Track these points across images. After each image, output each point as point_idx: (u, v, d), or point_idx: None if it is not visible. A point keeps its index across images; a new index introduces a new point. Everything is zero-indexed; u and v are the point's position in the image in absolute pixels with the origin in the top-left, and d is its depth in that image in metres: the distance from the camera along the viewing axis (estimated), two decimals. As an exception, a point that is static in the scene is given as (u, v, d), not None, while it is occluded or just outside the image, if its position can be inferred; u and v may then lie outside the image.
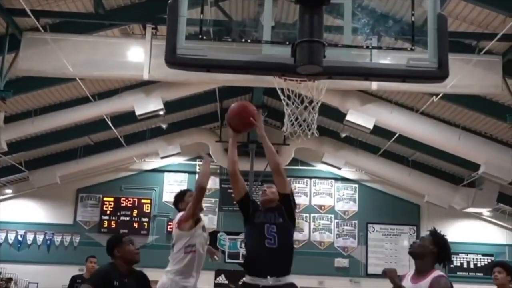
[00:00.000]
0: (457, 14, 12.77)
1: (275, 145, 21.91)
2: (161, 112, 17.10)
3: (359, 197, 24.36)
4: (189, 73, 13.39)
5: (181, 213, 5.65)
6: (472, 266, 23.79)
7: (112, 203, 23.70)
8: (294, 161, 23.28)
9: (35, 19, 12.32)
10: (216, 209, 23.83)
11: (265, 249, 4.91)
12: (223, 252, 22.63)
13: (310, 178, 24.49)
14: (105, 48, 13.58)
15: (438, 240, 4.26)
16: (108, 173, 23.82)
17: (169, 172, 24.19)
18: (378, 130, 17.73)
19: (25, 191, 23.22)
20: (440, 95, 14.86)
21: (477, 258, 23.83)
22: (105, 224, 23.35)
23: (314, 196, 24.44)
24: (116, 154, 21.78)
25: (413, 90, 14.80)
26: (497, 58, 13.29)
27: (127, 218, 23.52)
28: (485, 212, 22.87)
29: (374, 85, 13.40)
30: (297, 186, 24.46)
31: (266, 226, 5.02)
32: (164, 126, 21.00)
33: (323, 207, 24.37)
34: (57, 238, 23.43)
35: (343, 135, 21.24)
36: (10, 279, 21.22)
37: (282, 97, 6.36)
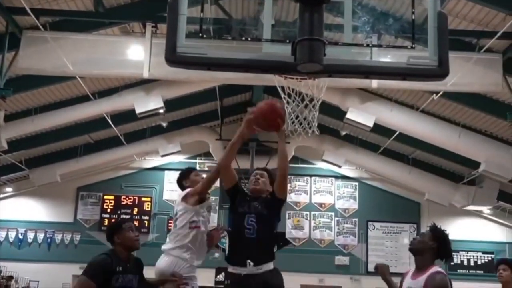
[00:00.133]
0: (457, 12, 12.76)
1: (275, 143, 22.08)
2: (161, 111, 17.10)
3: (359, 195, 24.38)
4: (189, 71, 13.37)
5: (188, 189, 5.47)
6: (472, 263, 23.81)
7: (113, 201, 23.73)
8: (295, 159, 23.27)
9: (35, 17, 12.32)
10: (217, 207, 23.82)
11: (244, 239, 4.87)
12: (224, 250, 22.62)
13: (311, 176, 24.50)
14: (105, 46, 13.57)
15: (438, 235, 4.26)
16: (109, 172, 23.83)
17: (170, 170, 24.17)
18: (378, 128, 17.73)
19: (26, 190, 23.24)
20: (440, 93, 14.85)
21: (477, 256, 23.85)
22: (106, 222, 23.31)
23: (314, 194, 24.45)
24: (116, 153, 21.79)
25: (413, 88, 14.80)
26: (497, 56, 13.28)
27: (128, 216, 23.50)
28: (486, 210, 22.88)
29: (374, 83, 13.39)
30: (297, 184, 24.48)
31: (246, 216, 4.98)
32: (164, 124, 21.00)
33: (323, 205, 24.38)
34: (58, 236, 23.46)
35: (343, 133, 21.25)
36: (11, 277, 21.24)
37: (282, 95, 6.35)
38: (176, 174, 21.58)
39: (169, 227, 22.91)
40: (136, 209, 23.65)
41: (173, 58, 4.68)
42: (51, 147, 21.19)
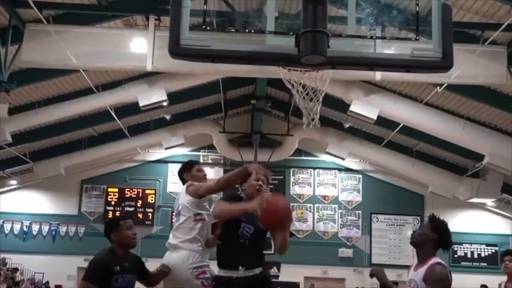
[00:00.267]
0: (462, 5, 12.70)
1: (279, 136, 22.11)
2: (165, 103, 17.09)
3: (363, 188, 24.38)
4: (192, 64, 13.36)
5: (191, 184, 5.16)
6: (476, 256, 23.82)
7: (117, 194, 23.80)
8: (298, 152, 23.29)
9: (38, 10, 12.30)
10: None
11: (236, 245, 4.70)
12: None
13: (314, 168, 24.50)
14: (108, 39, 13.55)
15: (438, 226, 4.26)
16: (112, 164, 23.88)
17: (173, 163, 24.18)
18: (382, 121, 17.71)
19: (30, 182, 23.31)
20: (444, 85, 14.81)
21: (481, 248, 23.86)
22: (110, 215, 23.41)
23: (318, 186, 24.47)
24: (120, 145, 21.82)
25: (417, 80, 14.75)
26: (501, 49, 13.23)
27: (132, 209, 23.60)
28: (489, 202, 22.87)
29: (378, 76, 13.34)
30: (301, 176, 24.49)
31: (242, 225, 4.68)
32: (167, 117, 21.01)
33: (327, 198, 24.40)
34: (62, 229, 23.56)
35: (347, 125, 21.22)
36: (16, 269, 21.35)
37: (290, 88, 6.34)
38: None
39: (173, 220, 22.97)
40: (140, 202, 23.71)
41: (177, 50, 4.68)
42: (55, 140, 21.23)
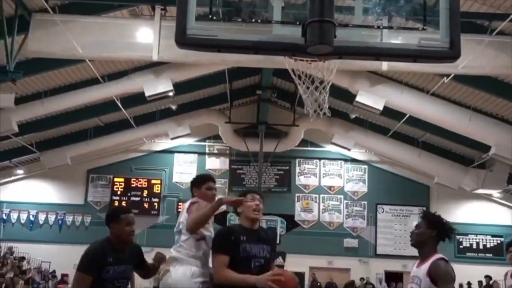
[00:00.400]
0: (469, -6, 12.64)
1: (285, 126, 22.10)
2: (171, 93, 17.12)
3: (368, 178, 24.39)
4: (198, 54, 13.35)
5: (194, 203, 4.91)
6: (481, 247, 23.83)
7: (123, 184, 23.88)
8: (304, 142, 23.30)
9: (44, 0, 12.30)
10: (226, 190, 23.94)
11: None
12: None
13: (320, 159, 24.51)
14: (114, 29, 13.54)
15: (433, 221, 4.26)
16: (118, 154, 23.95)
17: (179, 153, 24.29)
18: (388, 111, 17.67)
19: (36, 172, 23.42)
20: (451, 76, 14.76)
21: (486, 239, 23.86)
22: (116, 205, 23.52)
23: (323, 177, 24.48)
24: (126, 135, 21.87)
25: (424, 71, 14.71)
26: (509, 39, 13.16)
27: (138, 199, 23.69)
28: (495, 193, 22.84)
29: (385, 66, 13.30)
30: (306, 167, 24.51)
31: (253, 260, 4.46)
32: (173, 107, 21.03)
33: (332, 188, 24.41)
34: (69, 218, 23.69)
35: (353, 116, 21.20)
36: (23, 258, 21.49)
37: (294, 78, 6.32)
38: (186, 156, 21.74)
39: (179, 209, 23.06)
40: (146, 192, 23.79)
41: (183, 40, 4.66)
42: (61, 130, 21.29)
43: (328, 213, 24.22)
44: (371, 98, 16.38)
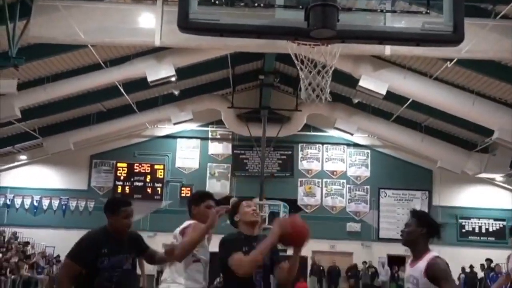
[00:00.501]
0: (473, -23, 12.55)
1: (288, 111, 22.09)
2: (173, 79, 17.09)
3: (371, 163, 24.41)
4: (200, 39, 13.30)
5: (190, 223, 4.71)
6: (483, 230, 23.88)
7: (126, 169, 23.94)
8: (307, 127, 23.30)
9: (46, -15, 12.25)
10: (229, 175, 23.98)
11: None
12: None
13: (323, 144, 24.52)
14: (116, 14, 13.48)
15: (423, 219, 4.26)
16: (121, 140, 23.98)
17: (182, 138, 24.31)
18: (391, 96, 17.63)
19: (39, 158, 23.47)
20: (455, 60, 14.70)
21: (488, 223, 23.91)
22: (119, 190, 23.62)
23: (326, 161, 24.50)
24: (128, 121, 21.88)
25: (427, 55, 14.63)
26: (513, 23, 13.08)
27: (141, 184, 23.76)
28: (498, 177, 22.83)
29: (388, 50, 13.23)
30: (309, 152, 24.52)
31: (254, 273, 4.33)
32: (176, 92, 21.01)
33: (335, 173, 24.45)
34: (72, 203, 23.79)
35: (356, 101, 21.16)
36: (27, 243, 21.62)
37: (296, 62, 6.31)
38: (189, 141, 21.74)
39: (182, 194, 23.15)
40: (149, 177, 23.85)
41: (186, 24, 4.65)
42: (64, 116, 21.31)
43: (330, 198, 24.28)
44: (374, 82, 16.33)
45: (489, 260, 20.02)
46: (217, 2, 4.71)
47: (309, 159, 24.47)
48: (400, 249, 24.17)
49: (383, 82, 16.36)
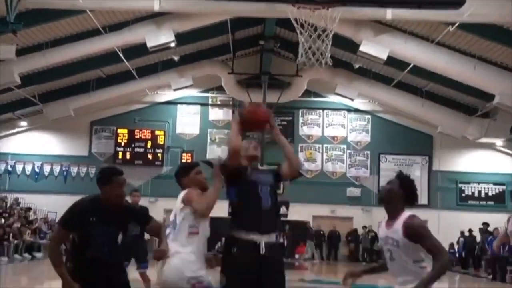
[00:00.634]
0: None
1: (288, 77, 22.00)
2: (173, 44, 16.97)
3: (371, 128, 24.42)
4: (200, 3, 13.18)
5: (190, 193, 4.71)
6: (483, 195, 24.02)
7: (126, 135, 23.95)
8: (307, 93, 23.22)
9: (43, -51, 12.08)
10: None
11: (261, 210, 4.68)
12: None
13: (323, 109, 24.49)
14: (115, -22, 13.35)
15: (405, 183, 4.28)
16: (121, 106, 23.95)
17: (182, 104, 24.27)
18: (392, 61, 17.53)
19: (40, 124, 23.46)
20: (456, 24, 14.56)
21: (488, 188, 24.03)
22: (120, 156, 23.68)
23: (327, 127, 24.51)
24: (128, 87, 21.81)
25: (429, 19, 14.50)
26: (516, -15, 12.92)
27: (141, 150, 23.82)
28: (498, 142, 22.86)
29: (389, 15, 13.12)
30: (309, 117, 24.51)
31: (260, 187, 4.61)
32: (176, 58, 20.88)
33: (335, 138, 24.47)
34: (73, 170, 23.89)
35: (357, 66, 21.04)
36: (29, 209, 21.78)
37: (295, 25, 6.26)
38: (189, 108, 21.86)
39: (182, 160, 23.21)
40: (149, 143, 23.88)
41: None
42: (63, 82, 21.23)
43: (331, 163, 24.36)
44: (375, 47, 16.22)
45: (486, 224, 20.20)
46: (216, -34, 4.66)
47: (310, 125, 24.47)
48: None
49: (384, 47, 16.25)
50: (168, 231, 4.74)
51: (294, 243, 22.38)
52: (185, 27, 17.05)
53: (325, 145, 24.39)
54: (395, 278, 4.08)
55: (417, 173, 23.78)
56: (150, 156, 23.78)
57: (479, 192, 24.03)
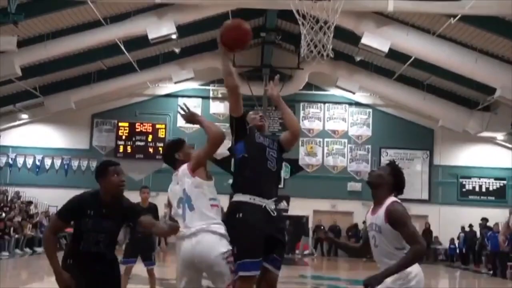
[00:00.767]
0: None
1: (289, 69, 21.94)
2: (174, 36, 16.95)
3: (372, 122, 24.37)
4: (201, -5, 13.15)
5: (188, 164, 4.50)
6: (484, 190, 23.99)
7: (127, 128, 23.92)
8: (308, 86, 23.18)
9: None
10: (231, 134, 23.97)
11: (266, 171, 4.69)
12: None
13: (324, 103, 24.44)
14: (116, -31, 13.32)
15: (395, 171, 4.32)
16: (122, 99, 23.92)
17: (183, 97, 24.21)
18: (393, 54, 17.50)
19: (41, 117, 23.43)
20: (458, 16, 14.52)
21: (489, 182, 23.99)
22: (121, 149, 23.66)
23: (328, 121, 24.47)
24: (129, 79, 21.78)
25: (430, 12, 14.47)
26: (518, -23, 12.88)
27: (143, 143, 23.80)
28: (499, 136, 22.81)
29: (391, 6, 13.10)
30: (310, 111, 24.46)
31: (267, 149, 4.68)
32: (177, 50, 20.84)
33: (336, 132, 24.44)
34: (74, 163, 23.87)
35: (358, 58, 20.98)
36: (30, 203, 21.75)
37: (297, 17, 6.24)
38: (190, 100, 21.74)
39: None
40: (150, 136, 23.86)
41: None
42: (64, 74, 21.19)
43: (332, 157, 24.34)
44: (377, 40, 16.20)
45: (485, 220, 20.19)
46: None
47: (311, 118, 24.43)
48: (400, 208, 24.23)
49: (386, 40, 16.23)
50: (177, 212, 4.53)
51: (294, 238, 22.39)
52: (187, 19, 17.04)
53: (326, 139, 24.36)
54: (379, 264, 4.11)
55: (418, 167, 23.78)
56: (151, 150, 23.76)
57: (480, 187, 24.00)
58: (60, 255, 4.38)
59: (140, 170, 22.38)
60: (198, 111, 24.17)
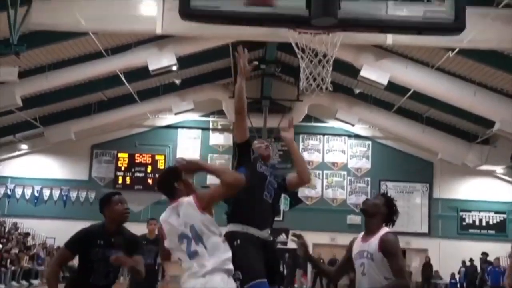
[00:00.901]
0: (476, -33, 12.47)
1: (289, 101, 22.01)
2: (174, 68, 17.07)
3: (372, 154, 24.37)
4: (202, 27, 13.24)
5: (196, 198, 4.20)
6: (484, 223, 23.86)
7: (127, 159, 23.90)
8: (307, 118, 23.24)
9: (47, -28, 12.20)
10: (230, 166, 23.94)
11: (262, 201, 4.70)
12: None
13: (323, 134, 24.48)
14: (118, 2, 13.45)
15: (390, 203, 4.35)
16: (122, 130, 23.96)
17: (183, 128, 24.28)
18: (392, 86, 17.60)
19: (41, 147, 23.44)
20: (456, 50, 14.64)
21: (489, 216, 23.88)
22: (120, 180, 23.61)
23: (327, 153, 24.48)
24: (130, 110, 21.85)
25: (429, 45, 14.59)
26: (516, 12, 13.00)
27: (142, 174, 23.75)
28: (499, 169, 22.79)
29: (389, 40, 13.19)
30: (310, 143, 24.50)
31: (268, 180, 4.75)
32: (177, 81, 20.97)
33: (336, 164, 24.42)
34: (73, 194, 23.77)
35: (357, 91, 21.10)
36: (27, 234, 21.57)
37: (296, 51, 6.28)
38: (190, 132, 21.73)
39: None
40: (150, 167, 23.82)
41: (187, 11, 4.65)
42: (65, 104, 21.29)
43: (331, 190, 24.28)
44: (376, 72, 16.31)
45: (485, 254, 20.03)
46: (218, -12, 4.69)
47: (310, 150, 24.45)
48: (400, 242, 23.81)
49: (385, 72, 16.33)
50: (178, 247, 4.21)
51: (293, 271, 22.17)
52: (187, 50, 17.18)
53: (325, 171, 24.33)
54: None
55: (418, 200, 23.71)
56: (150, 181, 23.67)
57: (480, 220, 23.88)
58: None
59: (139, 202, 22.28)
60: (198, 142, 24.25)
